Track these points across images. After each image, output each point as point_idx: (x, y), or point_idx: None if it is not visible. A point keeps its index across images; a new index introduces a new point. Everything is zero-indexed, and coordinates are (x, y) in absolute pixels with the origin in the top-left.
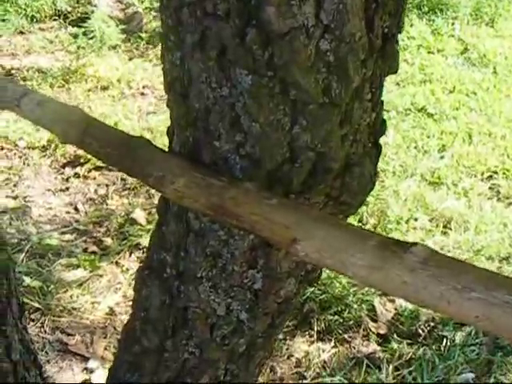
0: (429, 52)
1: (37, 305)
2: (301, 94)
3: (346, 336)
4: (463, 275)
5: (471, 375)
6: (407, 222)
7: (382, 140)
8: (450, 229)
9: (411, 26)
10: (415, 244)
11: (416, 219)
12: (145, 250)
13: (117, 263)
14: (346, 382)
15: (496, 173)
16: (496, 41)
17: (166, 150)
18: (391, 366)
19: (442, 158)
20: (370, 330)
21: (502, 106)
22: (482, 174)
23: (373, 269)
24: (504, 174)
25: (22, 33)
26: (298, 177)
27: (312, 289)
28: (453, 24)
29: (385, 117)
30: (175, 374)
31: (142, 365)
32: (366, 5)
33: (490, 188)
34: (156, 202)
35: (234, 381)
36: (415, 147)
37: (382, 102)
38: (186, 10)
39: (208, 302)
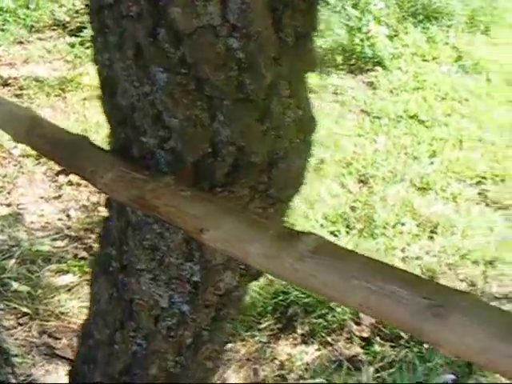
0: (423, 60)
1: (25, 309)
2: (214, 90)
3: (329, 339)
4: (348, 264)
5: (451, 377)
6: (394, 226)
7: (371, 147)
8: (437, 233)
9: (406, 33)
10: (307, 234)
11: (403, 224)
12: None
13: None
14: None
15: (485, 178)
16: (490, 48)
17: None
18: (372, 368)
19: (431, 163)
20: (354, 333)
21: (494, 112)
22: (471, 179)
23: (269, 257)
24: (492, 179)
25: (20, 42)
26: (220, 170)
27: (296, 292)
28: (447, 32)
29: (377, 123)
30: (126, 366)
31: (95, 357)
32: (274, 5)
33: (478, 193)
34: None
35: (184, 372)
36: (405, 153)
37: (308, 99)
38: (106, 12)
39: (150, 294)
